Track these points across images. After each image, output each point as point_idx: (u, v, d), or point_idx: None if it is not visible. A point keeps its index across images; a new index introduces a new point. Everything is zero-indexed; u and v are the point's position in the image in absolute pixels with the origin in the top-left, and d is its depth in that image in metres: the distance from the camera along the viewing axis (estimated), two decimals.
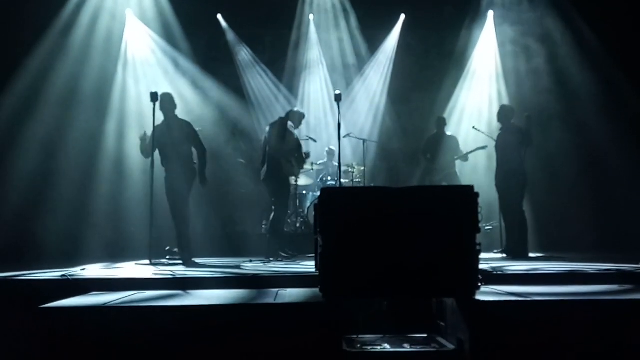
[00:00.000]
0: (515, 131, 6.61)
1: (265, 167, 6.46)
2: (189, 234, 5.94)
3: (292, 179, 8.14)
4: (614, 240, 7.49)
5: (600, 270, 4.46)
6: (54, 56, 7.84)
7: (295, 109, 6.91)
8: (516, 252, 6.41)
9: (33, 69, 7.73)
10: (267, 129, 6.64)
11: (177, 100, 6.15)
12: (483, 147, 7.66)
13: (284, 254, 6.39)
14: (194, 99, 8.65)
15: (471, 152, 7.77)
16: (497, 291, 3.45)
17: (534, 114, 7.92)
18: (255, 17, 9.15)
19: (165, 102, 5.97)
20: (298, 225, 7.88)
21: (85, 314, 2.95)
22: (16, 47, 7.58)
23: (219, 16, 9.17)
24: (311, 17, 9.40)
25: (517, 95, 8.72)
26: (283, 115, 6.70)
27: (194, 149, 6.03)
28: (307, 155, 6.96)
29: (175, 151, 5.88)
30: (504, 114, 6.83)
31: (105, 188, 7.91)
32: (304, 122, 6.99)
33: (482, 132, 7.67)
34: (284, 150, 6.35)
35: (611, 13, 7.99)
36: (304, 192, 8.29)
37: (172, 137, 5.89)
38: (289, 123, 6.48)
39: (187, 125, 6.06)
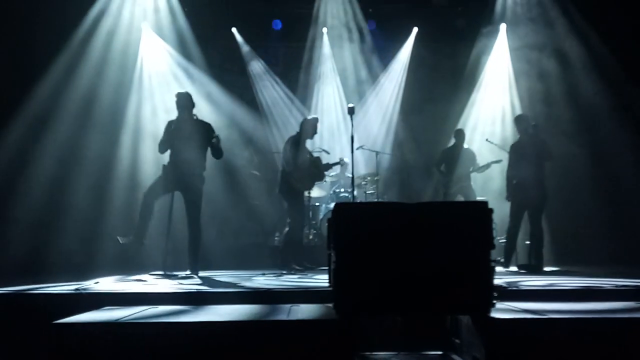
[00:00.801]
0: (533, 142, 6.52)
1: (279, 181, 6.58)
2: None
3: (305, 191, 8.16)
4: (631, 255, 7.36)
5: (617, 286, 4.38)
6: (70, 69, 7.96)
7: (309, 117, 6.96)
8: (532, 267, 6.32)
9: (50, 81, 7.86)
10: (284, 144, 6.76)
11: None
12: (498, 161, 7.59)
13: (297, 267, 6.39)
14: (207, 111, 8.71)
15: (487, 165, 7.70)
16: (512, 308, 3.39)
17: (547, 126, 7.89)
18: (269, 30, 9.21)
19: (180, 101, 5.85)
20: (311, 237, 7.87)
21: (98, 330, 2.94)
22: (33, 60, 7.70)
23: (234, 29, 9.25)
24: (324, 30, 9.45)
25: (530, 107, 8.66)
26: (298, 128, 6.76)
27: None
28: (342, 161, 7.29)
29: (188, 152, 5.73)
30: (522, 123, 6.71)
31: (119, 200, 7.96)
32: (317, 133, 7.03)
33: (496, 145, 7.65)
34: (296, 166, 6.43)
35: (623, 25, 7.94)
36: (317, 204, 8.27)
37: (184, 137, 5.73)
38: (304, 137, 6.60)
39: (208, 126, 5.91)
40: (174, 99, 5.93)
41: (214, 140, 5.78)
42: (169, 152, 5.87)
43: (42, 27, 7.60)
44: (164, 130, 5.97)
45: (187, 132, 5.77)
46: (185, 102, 5.86)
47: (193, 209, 5.79)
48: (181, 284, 4.99)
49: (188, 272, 5.71)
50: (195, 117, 5.95)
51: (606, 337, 2.95)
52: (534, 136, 6.59)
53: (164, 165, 5.83)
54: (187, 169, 5.74)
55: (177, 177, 5.71)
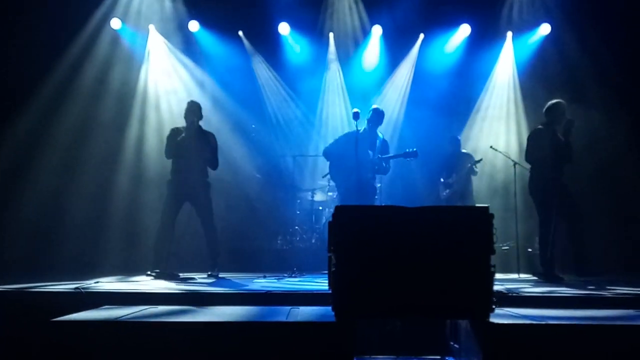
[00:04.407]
0: (554, 134, 5.88)
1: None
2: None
3: (309, 195, 8.17)
4: (636, 263, 7.31)
5: (617, 294, 4.37)
6: (74, 70, 8.03)
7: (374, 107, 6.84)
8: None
9: (54, 81, 7.94)
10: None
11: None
12: (479, 161, 7.90)
13: None
14: (212, 114, 8.74)
15: (471, 167, 7.86)
16: (512, 314, 3.39)
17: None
18: (275, 33, 9.23)
19: (190, 110, 6.00)
20: (313, 241, 7.87)
21: (96, 328, 2.96)
22: (37, 61, 7.75)
23: (240, 33, 9.27)
24: (331, 35, 9.45)
25: (536, 116, 8.62)
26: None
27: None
28: None
29: (196, 161, 5.93)
30: (560, 111, 5.96)
31: (122, 200, 8.00)
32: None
33: (500, 152, 7.64)
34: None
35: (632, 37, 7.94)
36: (320, 208, 8.28)
37: (195, 146, 5.91)
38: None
39: (212, 137, 6.14)
40: (185, 106, 6.06)
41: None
42: (172, 161, 6.00)
43: (48, 25, 7.66)
44: (168, 136, 6.09)
45: (195, 142, 5.92)
46: (195, 111, 6.01)
47: (206, 215, 5.97)
48: (185, 284, 5.02)
49: (209, 273, 5.94)
50: (201, 127, 6.09)
51: (604, 344, 2.94)
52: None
53: (168, 181, 5.98)
54: (196, 178, 5.92)
55: (186, 188, 5.88)
